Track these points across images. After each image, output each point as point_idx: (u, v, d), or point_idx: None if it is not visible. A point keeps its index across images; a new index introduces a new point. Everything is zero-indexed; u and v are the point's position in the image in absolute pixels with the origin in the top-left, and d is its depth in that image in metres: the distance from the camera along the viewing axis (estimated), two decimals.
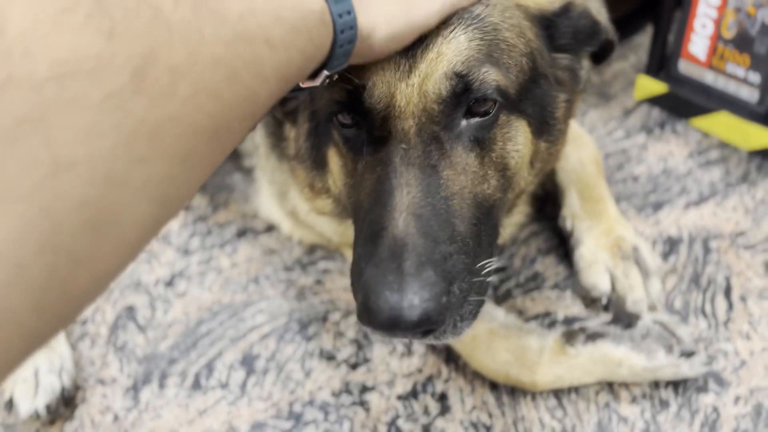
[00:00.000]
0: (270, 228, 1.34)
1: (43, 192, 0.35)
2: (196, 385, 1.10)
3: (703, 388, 0.99)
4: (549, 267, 1.20)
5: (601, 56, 0.94)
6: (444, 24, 0.74)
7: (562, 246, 1.22)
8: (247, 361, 1.12)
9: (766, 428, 0.94)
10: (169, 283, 1.26)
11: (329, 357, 1.11)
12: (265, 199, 1.25)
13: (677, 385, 1.00)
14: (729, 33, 1.30)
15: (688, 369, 0.96)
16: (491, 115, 0.76)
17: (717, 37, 1.32)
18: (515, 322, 1.02)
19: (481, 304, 0.74)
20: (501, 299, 1.15)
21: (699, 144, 1.38)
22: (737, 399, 0.98)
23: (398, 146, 0.73)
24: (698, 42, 1.35)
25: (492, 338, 0.99)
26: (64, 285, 0.38)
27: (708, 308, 1.09)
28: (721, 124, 1.35)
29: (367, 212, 0.73)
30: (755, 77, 1.30)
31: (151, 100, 0.40)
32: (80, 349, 1.18)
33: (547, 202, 1.26)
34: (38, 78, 0.35)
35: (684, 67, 1.40)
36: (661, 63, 1.45)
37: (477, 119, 0.76)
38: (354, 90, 0.74)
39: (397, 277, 0.64)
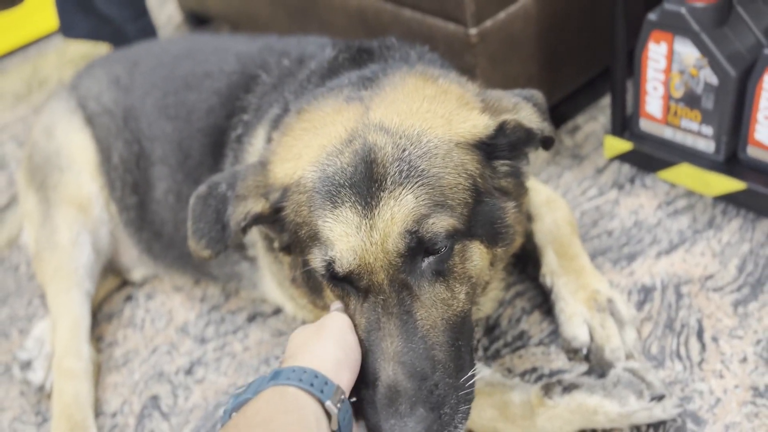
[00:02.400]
0: (277, 311, 1.45)
1: None
2: None
3: (681, 428, 1.06)
4: (534, 324, 1.29)
5: (544, 147, 1.06)
6: (393, 183, 0.88)
7: (545, 303, 1.31)
8: None
9: None
10: (189, 371, 1.38)
11: None
12: (268, 284, 1.37)
13: (657, 427, 1.07)
14: (678, 92, 1.42)
15: (660, 412, 1.03)
16: (446, 250, 0.90)
17: (668, 97, 1.44)
18: (499, 380, 1.11)
19: (470, 409, 0.90)
20: (490, 359, 1.24)
21: (667, 195, 1.48)
22: None
23: (378, 297, 0.89)
24: (653, 102, 1.47)
25: (478, 397, 1.08)
26: None
27: (683, 351, 1.17)
28: (685, 174, 1.46)
29: (363, 356, 0.90)
30: (708, 130, 1.41)
31: None
32: None
33: (529, 262, 1.36)
34: None
35: (644, 125, 1.52)
36: (623, 123, 1.57)
37: (435, 256, 0.90)
38: (329, 260, 0.90)
39: (397, 420, 0.82)
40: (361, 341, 0.89)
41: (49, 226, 1.51)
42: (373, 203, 0.87)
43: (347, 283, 0.92)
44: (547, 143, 1.03)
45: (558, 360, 1.21)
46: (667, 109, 1.45)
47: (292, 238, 0.99)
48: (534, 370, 1.20)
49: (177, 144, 1.39)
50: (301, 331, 0.91)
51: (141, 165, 1.47)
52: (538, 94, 1.05)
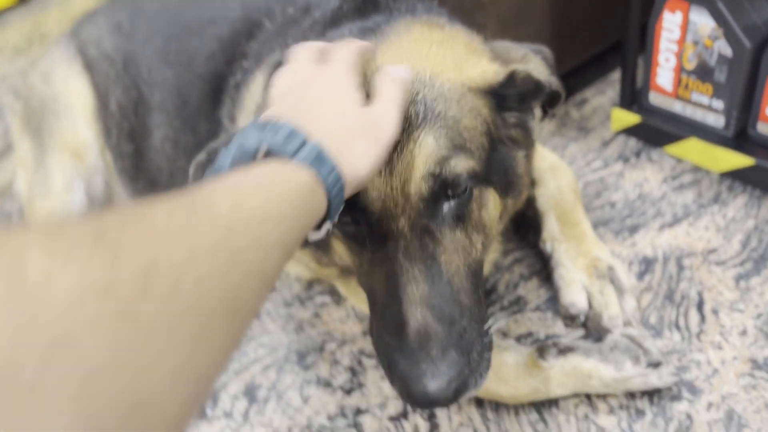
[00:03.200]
0: None
1: (81, 399, 0.39)
2: (202, 415, 1.18)
3: (677, 397, 1.04)
4: (531, 290, 1.27)
5: (551, 104, 1.03)
6: (411, 126, 0.84)
7: (543, 270, 1.29)
8: (250, 392, 1.20)
9: None
10: None
11: (326, 384, 1.19)
12: None
13: (652, 394, 1.05)
14: (690, 64, 1.39)
15: (656, 379, 1.01)
16: (467, 193, 0.87)
17: (680, 69, 1.41)
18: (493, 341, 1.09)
19: (490, 356, 0.87)
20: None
21: (673, 169, 1.45)
22: (710, 406, 1.03)
23: (398, 243, 0.85)
24: (664, 74, 1.44)
25: None
26: None
27: (681, 322, 1.15)
28: (692, 149, 1.43)
29: (384, 306, 0.86)
30: (719, 104, 1.38)
31: (160, 301, 0.45)
32: None
33: (529, 229, 1.34)
34: (60, 306, 0.40)
35: (654, 98, 1.49)
36: (633, 96, 1.54)
37: (456, 200, 0.87)
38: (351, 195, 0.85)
39: (428, 365, 0.79)
40: (381, 290, 0.86)
41: (43, 171, 1.48)
42: (393, 148, 0.83)
43: (365, 228, 0.87)
44: (554, 99, 1.00)
45: (554, 326, 1.19)
46: (678, 82, 1.43)
47: None
48: (529, 334, 1.18)
49: (176, 90, 1.36)
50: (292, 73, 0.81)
51: (139, 112, 1.43)
52: (545, 49, 1.02)
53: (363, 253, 0.90)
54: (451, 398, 0.79)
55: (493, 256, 1.20)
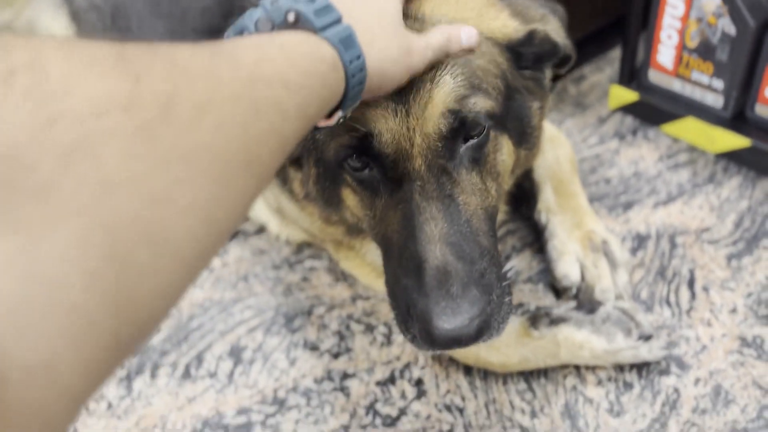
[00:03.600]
0: (260, 230, 1.40)
1: (97, 208, 0.39)
2: (186, 374, 1.16)
3: (665, 371, 1.04)
4: (523, 262, 1.26)
5: (561, 65, 1.01)
6: (428, 69, 0.81)
7: (536, 243, 1.28)
8: (235, 352, 1.18)
9: (723, 407, 0.99)
10: None
11: (313, 347, 1.17)
12: None
13: (641, 368, 1.05)
14: (693, 42, 1.37)
15: (646, 352, 1.01)
16: (484, 134, 0.85)
17: (682, 47, 1.39)
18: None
19: (511, 303, 0.85)
20: None
21: (669, 148, 1.44)
22: (697, 381, 1.03)
23: (414, 184, 0.82)
24: (665, 52, 1.43)
25: None
26: (133, 294, 0.41)
27: (672, 298, 1.15)
28: (689, 129, 1.42)
29: (402, 248, 0.83)
30: (719, 83, 1.37)
31: (180, 130, 0.44)
32: None
33: (523, 201, 1.32)
34: (80, 113, 0.39)
35: (653, 76, 1.48)
36: (632, 73, 1.53)
37: (473, 141, 0.85)
38: (362, 137, 0.82)
39: (449, 302, 0.76)
40: (397, 232, 0.83)
41: None
42: (407, 88, 0.80)
43: (376, 172, 0.85)
44: (565, 61, 0.98)
45: (546, 298, 1.18)
46: (679, 60, 1.41)
47: (306, 145, 0.93)
48: (521, 305, 1.17)
49: None
50: None
51: None
52: (561, 9, 1.01)
53: (376, 201, 0.87)
54: (473, 336, 0.75)
55: (499, 217, 1.19)
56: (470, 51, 0.83)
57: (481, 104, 0.82)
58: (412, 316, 0.79)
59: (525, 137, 0.93)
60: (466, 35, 0.83)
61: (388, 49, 0.71)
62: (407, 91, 0.80)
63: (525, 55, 0.92)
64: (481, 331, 0.76)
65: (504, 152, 0.90)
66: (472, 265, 0.78)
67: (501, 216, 1.23)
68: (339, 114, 0.70)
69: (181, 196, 0.44)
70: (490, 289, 0.79)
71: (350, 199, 0.92)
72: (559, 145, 1.25)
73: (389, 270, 0.86)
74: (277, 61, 0.55)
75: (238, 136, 0.49)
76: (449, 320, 0.74)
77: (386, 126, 0.81)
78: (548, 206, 1.21)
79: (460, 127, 0.82)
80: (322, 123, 0.71)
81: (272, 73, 0.54)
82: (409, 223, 0.81)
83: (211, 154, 0.47)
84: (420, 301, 0.77)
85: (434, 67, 0.81)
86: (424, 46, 0.77)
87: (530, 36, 0.91)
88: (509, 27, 0.90)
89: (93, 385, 0.42)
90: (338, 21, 0.65)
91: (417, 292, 0.78)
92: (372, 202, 0.88)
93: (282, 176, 1.11)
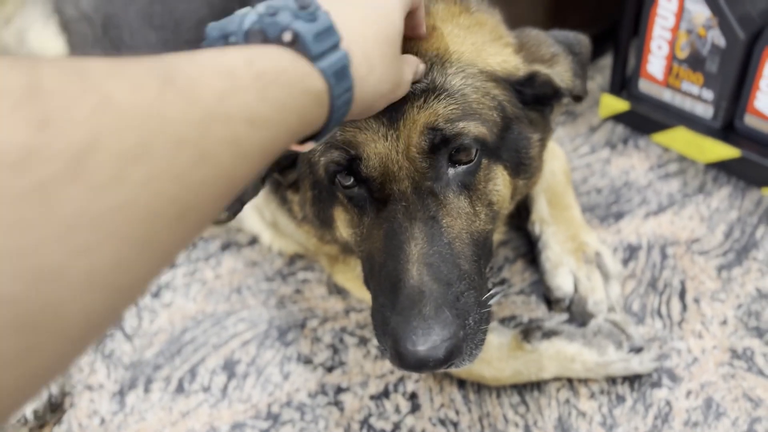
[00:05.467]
0: (253, 241, 1.40)
1: None
2: (180, 389, 1.16)
3: (657, 384, 1.05)
4: (516, 274, 1.26)
5: (575, 100, 1.00)
6: (418, 97, 0.81)
7: (529, 254, 1.28)
8: (229, 366, 1.18)
9: (715, 420, 1.00)
10: (156, 295, 1.32)
11: (306, 361, 1.17)
12: (247, 210, 1.32)
13: (633, 381, 1.06)
14: (683, 53, 1.38)
15: (637, 365, 1.02)
16: (474, 161, 0.85)
17: (672, 58, 1.40)
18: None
19: (487, 330, 0.83)
20: None
21: (659, 158, 1.45)
22: (689, 393, 1.04)
23: (399, 204, 0.82)
24: (655, 62, 1.44)
25: None
26: None
27: (663, 310, 1.16)
28: (679, 139, 1.43)
29: (381, 265, 0.82)
30: (708, 94, 1.38)
31: (92, 189, 0.36)
32: None
33: (515, 214, 1.33)
34: None
35: (644, 86, 1.49)
36: (623, 83, 1.54)
37: (462, 167, 0.85)
38: (351, 158, 0.82)
39: (420, 322, 0.74)
40: (378, 251, 0.83)
41: None
42: (398, 115, 0.80)
43: (364, 190, 0.85)
44: (576, 98, 0.98)
45: (538, 310, 1.19)
46: (669, 70, 1.42)
47: (303, 169, 0.93)
48: (513, 317, 1.18)
49: None
50: None
51: None
52: (584, 42, 0.99)
53: (363, 219, 0.87)
54: (441, 360, 0.73)
55: (497, 237, 1.19)
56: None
57: (469, 128, 0.82)
58: (384, 334, 0.79)
59: (522, 168, 0.93)
60: (421, 67, 0.82)
61: (382, 83, 0.67)
62: (397, 117, 0.81)
63: (525, 93, 0.92)
64: (450, 355, 0.74)
65: (498, 182, 0.89)
66: (448, 288, 0.77)
67: (499, 236, 1.23)
68: (311, 144, 0.65)
69: (78, 269, 0.36)
70: (465, 314, 0.78)
71: (341, 217, 0.93)
72: (554, 157, 1.26)
73: (371, 287, 0.86)
74: (249, 93, 0.48)
75: (173, 188, 0.41)
76: (419, 341, 0.73)
77: (374, 150, 0.81)
78: (542, 217, 1.22)
79: (443, 145, 0.81)
80: (294, 147, 0.65)
81: (237, 110, 0.46)
82: (391, 242, 0.81)
83: (131, 214, 0.38)
84: (392, 320, 0.76)
85: (424, 95, 0.81)
86: (408, 80, 0.76)
87: (530, 78, 0.91)
88: (510, 64, 0.89)
89: None
90: (336, 46, 0.59)
91: (391, 310, 0.77)
92: (360, 220, 0.88)
93: (281, 195, 1.11)
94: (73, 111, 0.36)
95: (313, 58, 0.56)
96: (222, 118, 0.45)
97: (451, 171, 0.84)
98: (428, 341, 0.73)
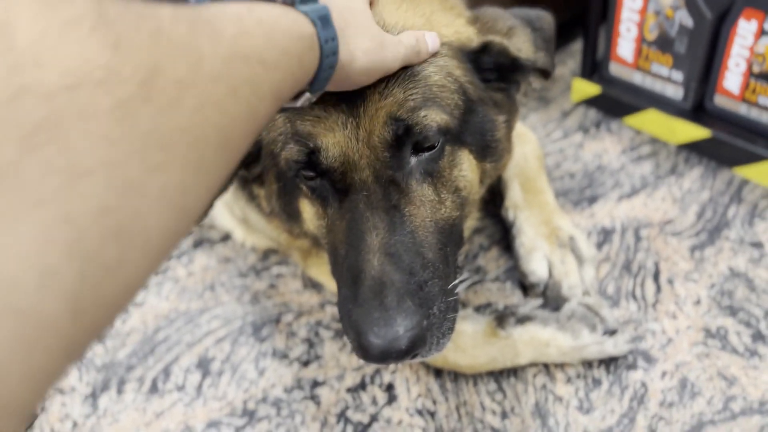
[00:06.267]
0: (226, 238, 1.38)
1: (62, 198, 0.35)
2: (154, 389, 1.14)
3: (632, 366, 1.05)
4: (490, 261, 1.26)
5: (542, 76, 0.99)
6: (380, 83, 0.79)
7: (503, 240, 1.28)
8: (203, 364, 1.16)
9: (690, 399, 1.00)
10: None
11: (282, 356, 1.16)
12: (218, 207, 1.30)
13: (608, 364, 1.06)
14: (651, 35, 1.38)
15: (612, 347, 1.02)
16: (437, 148, 0.83)
17: (641, 40, 1.40)
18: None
19: (455, 319, 0.82)
20: None
21: (632, 141, 1.45)
22: (664, 374, 1.04)
23: (360, 194, 0.80)
24: (625, 45, 1.43)
25: None
26: (96, 291, 0.38)
27: (638, 292, 1.16)
28: (651, 121, 1.43)
29: (344, 257, 0.80)
30: (678, 75, 1.38)
31: (160, 110, 0.40)
32: None
33: (489, 200, 1.32)
34: (50, 87, 0.35)
35: (614, 69, 1.49)
36: (593, 66, 1.53)
37: (425, 154, 0.83)
38: (310, 151, 0.80)
39: (381, 313, 0.72)
40: (341, 242, 0.82)
41: None
42: (359, 102, 0.79)
43: (326, 182, 0.83)
44: (543, 73, 0.96)
45: (513, 296, 1.18)
46: (638, 53, 1.42)
47: (266, 162, 0.91)
48: (488, 305, 1.17)
49: None
50: None
51: None
52: (545, 18, 0.97)
53: (327, 210, 0.86)
54: (404, 351, 0.72)
55: (471, 223, 1.18)
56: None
57: (432, 117, 0.80)
58: (347, 326, 0.77)
59: (489, 151, 0.91)
60: (431, 38, 0.82)
61: (361, 36, 0.70)
62: (358, 104, 0.79)
63: (483, 64, 0.90)
64: (413, 345, 0.72)
65: (464, 168, 0.88)
66: (410, 277, 0.76)
67: (473, 223, 1.23)
68: (306, 96, 0.68)
69: (156, 184, 0.40)
70: (429, 303, 0.76)
71: (306, 210, 0.91)
72: (526, 142, 1.25)
73: (336, 279, 0.84)
74: (256, 36, 0.52)
75: (216, 117, 0.46)
76: (380, 332, 0.71)
77: (334, 140, 0.79)
78: (515, 203, 1.21)
79: (406, 136, 0.80)
80: (288, 104, 0.69)
81: (250, 50, 0.51)
82: (352, 233, 0.79)
83: (189, 137, 0.43)
84: (354, 311, 0.75)
85: (385, 80, 0.79)
86: (396, 41, 0.76)
87: (485, 47, 0.89)
88: (463, 34, 0.88)
89: (40, 394, 0.39)
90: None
91: (352, 302, 0.76)
92: (324, 212, 0.86)
93: (248, 191, 1.09)
94: (135, 37, 0.40)
95: (297, 3, 0.62)
96: (241, 57, 0.49)
97: (413, 159, 0.83)
98: (389, 332, 0.71)
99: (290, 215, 0.95)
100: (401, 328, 0.71)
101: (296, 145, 0.81)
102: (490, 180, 0.98)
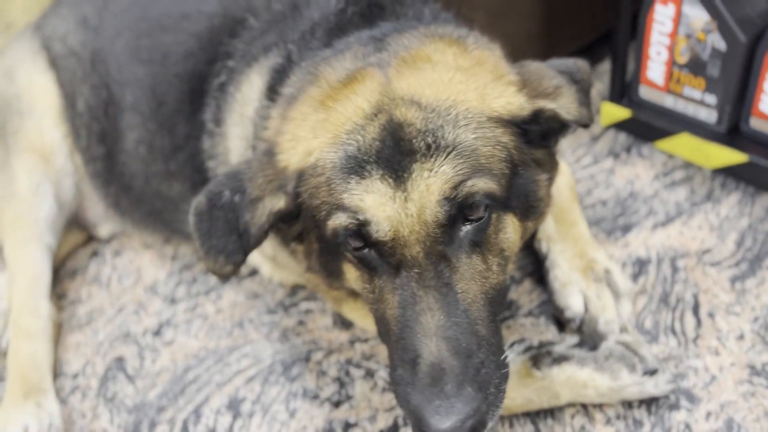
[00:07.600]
0: (253, 272, 1.38)
1: None
2: (184, 431, 1.13)
3: (675, 406, 1.02)
4: (523, 295, 1.23)
5: (583, 127, 0.96)
6: (425, 156, 0.79)
7: (536, 273, 1.25)
8: (234, 405, 1.15)
9: None
10: (157, 333, 1.30)
11: (313, 396, 1.14)
12: None
13: (650, 404, 1.02)
14: (682, 58, 1.35)
15: (653, 387, 0.99)
16: (485, 218, 0.83)
17: (672, 63, 1.37)
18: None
19: (505, 390, 0.83)
20: None
21: (664, 165, 1.42)
22: (708, 414, 1.00)
23: (412, 271, 0.81)
24: (655, 68, 1.40)
25: None
26: None
27: (677, 326, 1.12)
28: (684, 145, 1.40)
29: (398, 336, 0.82)
30: (711, 98, 1.35)
31: None
32: (71, 402, 1.21)
33: None
34: None
35: (644, 92, 1.45)
36: (623, 89, 1.50)
37: (473, 224, 0.83)
38: (360, 224, 0.81)
39: (442, 401, 0.75)
40: (394, 318, 0.82)
41: (8, 174, 1.40)
42: (405, 176, 0.79)
43: (375, 255, 0.83)
44: (584, 126, 0.95)
45: (547, 331, 1.16)
46: (669, 76, 1.39)
47: (307, 224, 0.91)
48: (522, 340, 1.15)
49: (150, 90, 1.28)
50: None
51: (109, 113, 1.36)
52: (584, 68, 0.96)
53: (375, 279, 0.85)
54: None
55: (511, 266, 1.18)
56: None
57: (480, 185, 0.80)
58: (407, 409, 0.79)
59: (531, 211, 0.91)
60: None
61: None
62: (404, 178, 0.79)
63: (531, 132, 0.89)
64: (474, 430, 0.75)
65: (509, 230, 0.87)
66: (468, 360, 0.77)
67: (514, 269, 1.21)
68: None
69: None
70: (486, 385, 0.77)
71: (351, 273, 0.91)
72: (559, 173, 1.22)
73: (388, 352, 0.85)
74: None
75: None
76: (441, 421, 0.74)
77: (384, 214, 0.79)
78: (548, 235, 1.18)
79: (458, 213, 0.80)
80: None
81: None
82: (406, 312, 0.80)
83: None
84: (413, 396, 0.77)
85: (432, 155, 0.79)
86: None
87: (535, 115, 0.88)
88: (513, 105, 0.87)
89: None
90: None
91: (411, 386, 0.77)
92: (371, 279, 0.86)
93: (282, 235, 1.08)
94: None
95: None
96: None
97: (462, 231, 0.82)
98: (451, 419, 0.74)
99: (331, 273, 0.95)
100: (462, 415, 0.74)
101: (345, 215, 0.81)
102: (529, 234, 0.98)
